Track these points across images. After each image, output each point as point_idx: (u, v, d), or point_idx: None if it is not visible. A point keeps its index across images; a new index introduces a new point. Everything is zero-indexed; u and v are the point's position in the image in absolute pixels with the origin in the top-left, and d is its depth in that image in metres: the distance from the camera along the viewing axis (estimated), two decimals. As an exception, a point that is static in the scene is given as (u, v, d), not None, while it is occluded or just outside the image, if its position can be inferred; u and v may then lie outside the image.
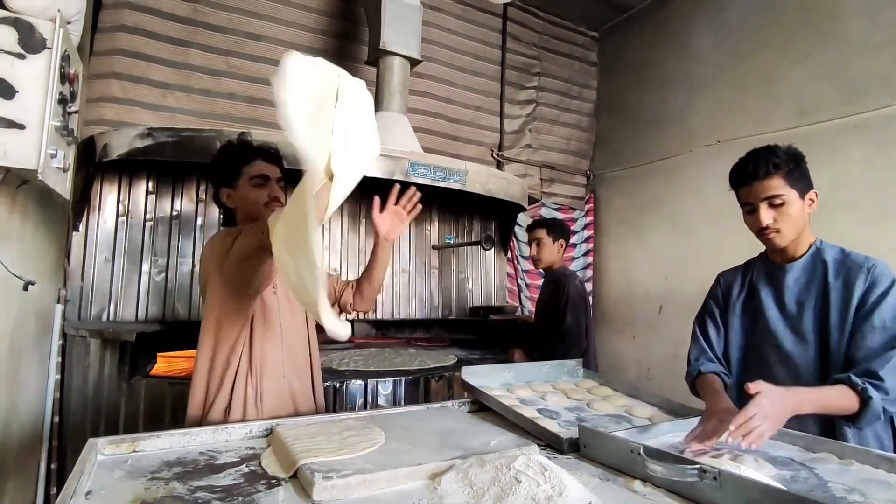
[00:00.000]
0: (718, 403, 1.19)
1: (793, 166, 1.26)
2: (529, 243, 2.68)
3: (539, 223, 2.69)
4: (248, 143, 1.51)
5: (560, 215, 4.18)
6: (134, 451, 1.02)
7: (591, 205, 4.38)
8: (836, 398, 1.12)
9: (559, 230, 2.61)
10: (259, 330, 1.40)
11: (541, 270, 2.75)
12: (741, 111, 3.28)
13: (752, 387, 1.05)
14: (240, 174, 1.45)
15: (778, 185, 1.25)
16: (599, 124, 4.45)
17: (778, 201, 1.26)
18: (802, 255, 1.32)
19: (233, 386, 1.36)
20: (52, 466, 2.18)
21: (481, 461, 0.91)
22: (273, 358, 1.42)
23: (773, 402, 1.03)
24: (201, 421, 1.36)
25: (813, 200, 1.30)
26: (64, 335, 2.28)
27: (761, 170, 1.26)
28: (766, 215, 1.27)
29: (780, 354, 1.32)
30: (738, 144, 3.17)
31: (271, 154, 1.51)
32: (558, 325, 2.44)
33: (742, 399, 1.40)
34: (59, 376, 2.23)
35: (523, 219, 3.92)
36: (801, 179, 1.27)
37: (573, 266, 4.21)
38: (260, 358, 1.39)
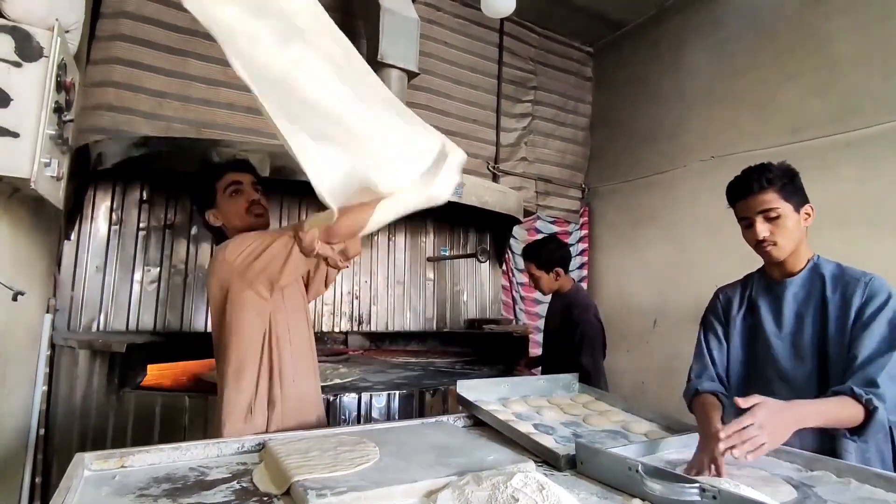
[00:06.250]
0: (712, 428, 1.18)
1: (786, 181, 1.29)
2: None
3: (527, 254, 2.45)
4: (216, 162, 1.61)
5: (555, 228, 4.19)
6: (122, 467, 1.00)
7: (586, 218, 4.40)
8: (841, 411, 1.10)
9: (548, 261, 2.37)
10: (274, 337, 1.41)
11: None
12: (734, 127, 3.32)
13: (743, 402, 1.03)
14: (215, 191, 1.49)
15: (772, 199, 1.28)
16: (594, 138, 4.49)
17: (773, 214, 1.28)
18: (801, 270, 1.33)
19: (255, 389, 1.37)
20: (37, 480, 2.13)
21: (478, 479, 0.89)
22: (288, 364, 1.43)
23: (770, 414, 1.01)
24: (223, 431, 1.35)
25: (809, 214, 1.31)
26: (52, 345, 2.24)
27: (756, 184, 1.29)
28: (761, 228, 1.29)
29: (778, 370, 1.32)
30: (731, 160, 3.20)
31: (240, 164, 1.55)
32: (574, 360, 2.23)
33: (740, 412, 1.39)
34: (46, 387, 2.19)
35: (518, 231, 3.93)
36: (795, 194, 1.29)
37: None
38: (279, 361, 1.41)
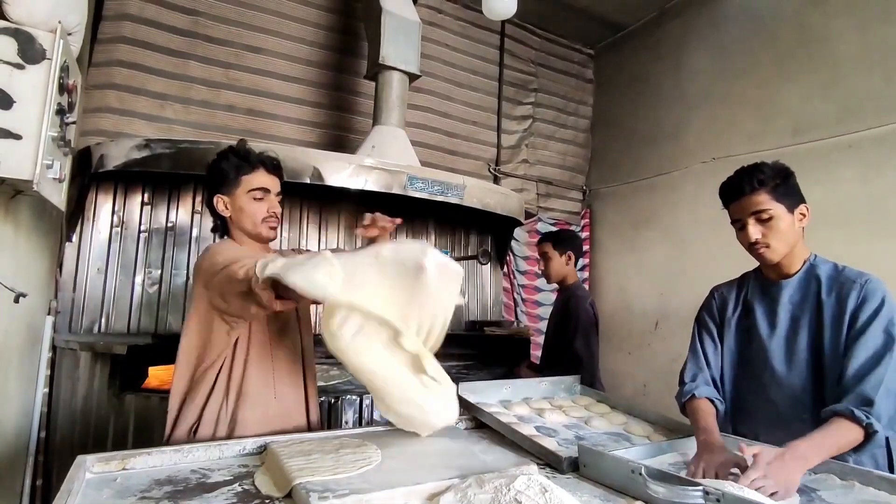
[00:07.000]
0: (711, 438, 1.16)
1: (779, 182, 1.27)
2: (539, 259, 2.60)
3: (545, 237, 2.61)
4: (250, 151, 1.42)
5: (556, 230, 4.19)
6: (124, 469, 1.00)
7: (587, 220, 4.40)
8: (843, 438, 1.09)
9: (565, 243, 2.51)
10: (241, 352, 1.32)
11: (554, 285, 2.65)
12: (735, 129, 3.32)
13: (748, 450, 1.03)
14: (239, 183, 1.37)
15: (764, 200, 1.26)
16: (595, 140, 4.49)
17: (765, 216, 1.26)
18: (797, 271, 1.31)
19: (203, 408, 1.29)
20: (38, 483, 2.12)
21: (480, 481, 0.89)
22: (259, 381, 1.34)
23: (776, 466, 0.99)
24: (168, 439, 1.31)
25: (804, 215, 1.29)
26: (53, 348, 2.24)
27: (747, 186, 1.27)
28: (753, 230, 1.27)
29: (773, 374, 1.31)
30: (732, 162, 3.16)
31: (273, 165, 1.44)
32: (570, 349, 2.34)
33: (736, 417, 1.39)
34: (47, 390, 2.19)
35: (520, 233, 3.93)
36: (788, 194, 1.27)
37: (569, 281, 4.21)
38: (240, 382, 1.32)
